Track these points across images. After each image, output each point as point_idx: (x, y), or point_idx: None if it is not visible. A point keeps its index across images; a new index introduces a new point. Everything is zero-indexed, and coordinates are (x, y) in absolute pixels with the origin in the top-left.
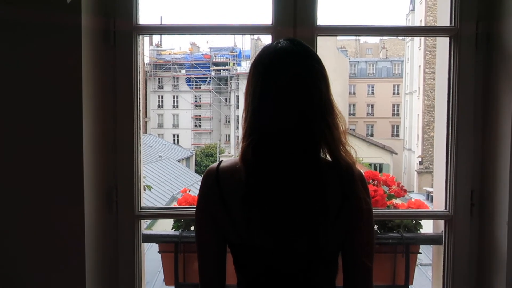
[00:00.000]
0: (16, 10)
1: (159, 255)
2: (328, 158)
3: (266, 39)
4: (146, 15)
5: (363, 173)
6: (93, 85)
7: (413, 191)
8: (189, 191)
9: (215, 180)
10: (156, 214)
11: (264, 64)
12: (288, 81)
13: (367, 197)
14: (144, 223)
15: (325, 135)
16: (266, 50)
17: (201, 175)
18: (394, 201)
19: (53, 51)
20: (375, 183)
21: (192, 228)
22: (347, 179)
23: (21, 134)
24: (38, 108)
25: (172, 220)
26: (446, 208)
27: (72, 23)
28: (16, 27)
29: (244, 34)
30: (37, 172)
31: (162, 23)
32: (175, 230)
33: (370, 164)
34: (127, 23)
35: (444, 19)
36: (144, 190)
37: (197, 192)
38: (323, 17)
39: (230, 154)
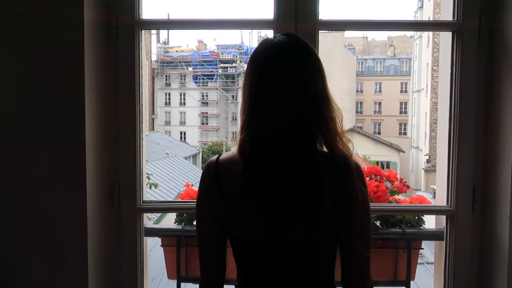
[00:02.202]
0: (17, 4)
1: None
2: (325, 149)
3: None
4: (153, 13)
5: (359, 164)
6: (95, 79)
7: (421, 189)
8: (191, 186)
9: (215, 173)
10: (158, 208)
11: (261, 58)
12: (284, 75)
13: (363, 188)
14: (152, 220)
15: (321, 127)
16: (263, 45)
17: None
18: (397, 197)
19: (55, 45)
20: (378, 178)
21: (195, 222)
22: (343, 170)
23: (24, 129)
24: (40, 103)
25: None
26: (448, 204)
27: (74, 17)
28: (18, 21)
29: (245, 28)
30: (40, 166)
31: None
32: (177, 224)
33: (378, 162)
34: (130, 17)
35: (447, 14)
36: (150, 187)
37: None
38: (328, 17)
39: None
